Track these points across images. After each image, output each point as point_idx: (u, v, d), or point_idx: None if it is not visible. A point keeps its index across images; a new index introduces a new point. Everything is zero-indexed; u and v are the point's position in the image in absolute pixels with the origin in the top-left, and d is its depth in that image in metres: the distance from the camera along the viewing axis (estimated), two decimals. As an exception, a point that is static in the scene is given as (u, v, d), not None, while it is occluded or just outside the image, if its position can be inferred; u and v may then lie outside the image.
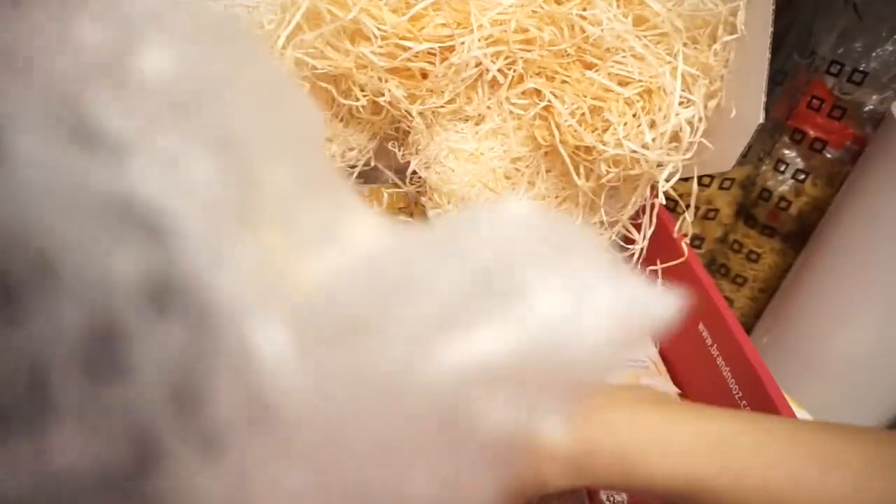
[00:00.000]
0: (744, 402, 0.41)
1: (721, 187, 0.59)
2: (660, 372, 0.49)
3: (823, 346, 0.55)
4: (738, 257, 0.66)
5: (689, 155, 0.44)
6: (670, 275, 0.50)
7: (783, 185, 0.62)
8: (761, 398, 0.39)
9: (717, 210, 0.61)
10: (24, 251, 0.10)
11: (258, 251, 0.13)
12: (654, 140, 0.43)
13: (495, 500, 0.15)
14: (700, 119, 0.44)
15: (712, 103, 0.45)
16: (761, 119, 0.42)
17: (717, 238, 0.65)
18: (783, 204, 0.62)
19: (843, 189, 0.53)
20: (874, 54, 0.55)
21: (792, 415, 0.38)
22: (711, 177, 0.58)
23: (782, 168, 0.61)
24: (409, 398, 0.13)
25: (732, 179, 0.59)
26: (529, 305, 0.14)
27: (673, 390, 0.47)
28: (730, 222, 0.64)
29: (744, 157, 0.59)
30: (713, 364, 0.44)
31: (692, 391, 0.47)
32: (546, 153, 0.49)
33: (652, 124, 0.44)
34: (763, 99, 0.42)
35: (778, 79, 0.56)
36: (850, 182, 0.53)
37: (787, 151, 0.61)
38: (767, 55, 0.41)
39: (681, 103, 0.44)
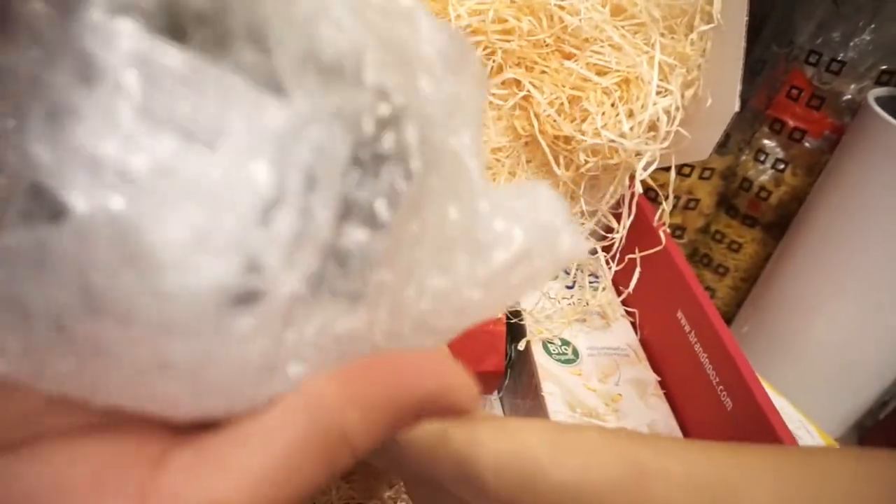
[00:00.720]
0: (721, 387, 0.41)
1: (701, 177, 0.60)
2: (640, 360, 0.49)
3: (802, 334, 0.55)
4: (720, 247, 0.67)
5: (666, 144, 0.44)
6: (649, 263, 0.50)
7: (763, 175, 0.62)
8: (738, 384, 0.39)
9: (697, 200, 0.62)
10: None
11: None
12: (631, 129, 0.43)
13: None
14: (677, 108, 0.44)
15: (689, 92, 0.45)
16: (737, 108, 0.42)
17: (699, 228, 0.65)
18: (763, 194, 0.62)
19: (821, 178, 0.54)
20: (852, 44, 0.56)
21: (768, 401, 0.38)
22: (692, 167, 0.59)
23: (762, 158, 0.61)
24: None
25: (713, 169, 0.59)
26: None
27: (652, 378, 0.48)
28: (711, 212, 0.64)
29: (723, 147, 0.60)
30: (691, 351, 0.44)
31: (671, 378, 0.47)
32: (526, 143, 0.49)
33: (630, 114, 0.44)
34: (739, 88, 0.42)
35: (757, 68, 0.56)
36: (828, 171, 0.53)
37: (766, 141, 0.61)
38: (743, 44, 0.42)
39: (658, 93, 0.44)
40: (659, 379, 0.48)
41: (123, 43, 0.12)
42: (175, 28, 0.13)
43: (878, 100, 0.51)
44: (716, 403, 0.41)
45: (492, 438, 0.21)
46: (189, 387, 0.13)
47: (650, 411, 0.45)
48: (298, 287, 0.13)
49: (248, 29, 0.13)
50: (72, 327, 0.12)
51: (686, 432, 0.44)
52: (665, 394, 0.47)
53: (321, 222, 0.13)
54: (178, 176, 0.12)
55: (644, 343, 0.51)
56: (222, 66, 0.13)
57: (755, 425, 0.37)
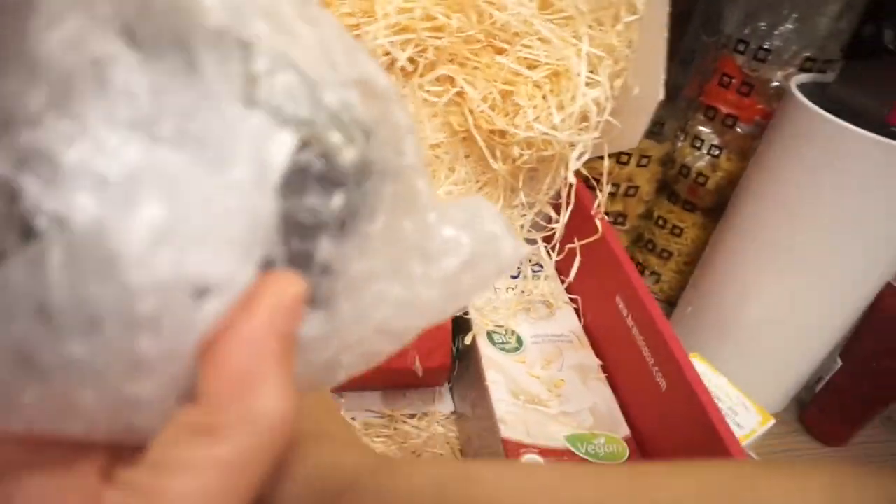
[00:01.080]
0: (656, 368, 0.43)
1: (639, 165, 0.61)
2: (583, 345, 0.50)
3: (739, 314, 0.57)
4: (663, 232, 0.69)
5: (597, 134, 0.45)
6: (590, 251, 0.51)
7: (700, 161, 0.64)
8: (670, 364, 0.41)
9: (637, 187, 0.63)
10: None
11: None
12: (562, 121, 0.44)
13: None
14: (607, 98, 0.45)
15: (618, 83, 0.46)
16: (661, 96, 0.43)
17: (640, 214, 0.67)
18: (701, 179, 0.64)
19: (751, 163, 0.56)
20: (777, 32, 0.58)
21: (698, 379, 0.39)
22: (629, 155, 0.60)
23: (699, 144, 0.63)
24: None
25: (649, 157, 0.61)
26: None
27: (595, 362, 0.49)
28: (651, 198, 0.66)
29: (659, 135, 0.61)
30: (629, 334, 0.46)
31: (612, 363, 0.49)
32: (464, 139, 0.50)
33: (560, 106, 0.45)
34: (663, 77, 0.43)
35: (687, 58, 0.57)
36: (757, 156, 0.55)
37: (702, 128, 0.63)
38: (665, 34, 0.43)
39: (588, 84, 0.45)
40: (602, 363, 0.49)
41: (86, 48, 0.12)
42: (128, 33, 0.13)
43: (802, 86, 0.53)
44: (651, 384, 0.43)
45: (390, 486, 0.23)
46: (162, 388, 0.14)
47: (592, 395, 0.46)
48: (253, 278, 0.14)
49: (179, 39, 0.14)
50: (38, 356, 0.12)
51: (626, 413, 0.45)
52: (607, 377, 0.48)
53: (272, 220, 0.14)
54: (138, 178, 0.12)
55: (587, 329, 0.52)
56: (171, 68, 0.13)
57: (686, 403, 0.39)
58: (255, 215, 0.14)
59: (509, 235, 0.20)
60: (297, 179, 0.14)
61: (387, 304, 0.18)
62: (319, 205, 0.15)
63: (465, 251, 0.19)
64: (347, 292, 0.17)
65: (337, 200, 0.15)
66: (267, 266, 0.14)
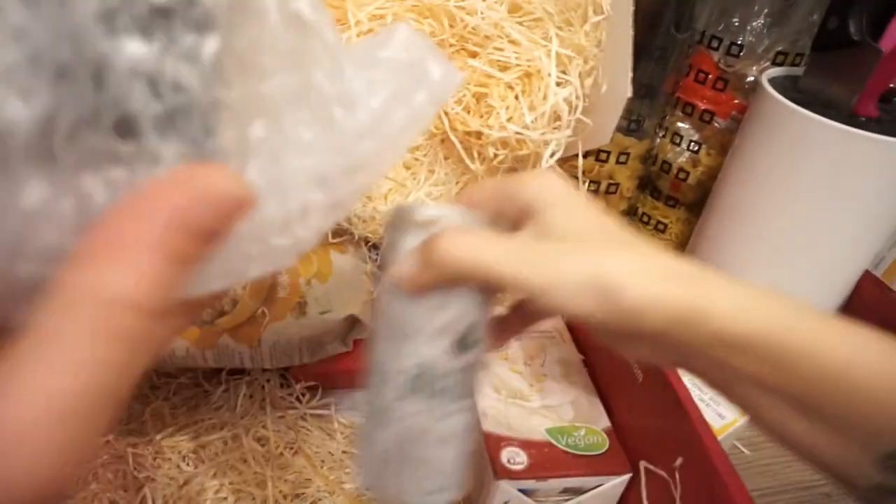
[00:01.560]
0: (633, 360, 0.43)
1: (618, 162, 0.62)
2: (565, 340, 0.51)
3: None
4: (648, 229, 0.69)
5: (569, 132, 0.46)
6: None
7: (681, 157, 0.65)
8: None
9: (617, 184, 0.64)
10: None
11: None
12: (534, 120, 0.45)
13: None
14: (578, 97, 0.46)
15: (589, 82, 0.47)
16: (629, 94, 0.44)
17: (623, 212, 0.68)
18: (682, 175, 0.65)
19: (728, 156, 0.57)
20: (749, 28, 0.59)
21: (675, 374, 0.40)
22: (608, 152, 0.61)
23: (678, 140, 0.64)
24: None
25: (629, 154, 0.62)
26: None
27: (577, 357, 0.50)
28: (632, 195, 0.67)
29: (638, 132, 0.62)
30: (607, 328, 0.46)
31: (594, 357, 0.49)
32: (442, 140, 0.51)
33: (532, 106, 0.46)
34: (629, 74, 0.44)
35: (660, 55, 0.58)
36: (733, 150, 0.56)
37: (680, 124, 0.64)
38: (630, 32, 0.44)
39: (558, 83, 0.46)
40: (583, 357, 0.50)
41: None
42: None
43: (774, 80, 0.54)
44: (629, 376, 0.43)
45: (756, 317, 0.22)
46: None
47: (573, 388, 0.47)
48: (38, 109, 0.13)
49: None
50: None
51: (607, 405, 0.46)
52: (588, 371, 0.49)
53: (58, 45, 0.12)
54: None
55: (569, 325, 0.53)
56: None
57: (661, 394, 0.39)
58: (33, 51, 0.12)
59: (435, 60, 0.19)
60: (155, 22, 0.13)
61: (314, 150, 0.17)
62: (186, 50, 0.14)
63: (387, 88, 0.18)
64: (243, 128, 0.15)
65: (210, 47, 0.14)
66: (126, 121, 0.13)
